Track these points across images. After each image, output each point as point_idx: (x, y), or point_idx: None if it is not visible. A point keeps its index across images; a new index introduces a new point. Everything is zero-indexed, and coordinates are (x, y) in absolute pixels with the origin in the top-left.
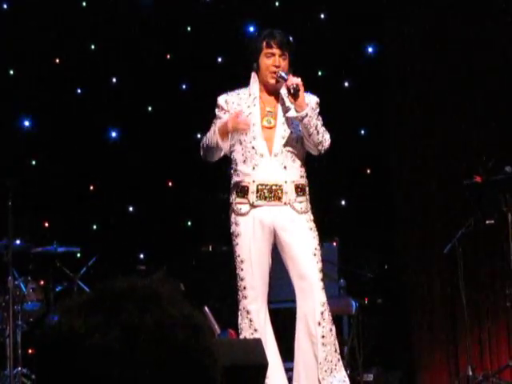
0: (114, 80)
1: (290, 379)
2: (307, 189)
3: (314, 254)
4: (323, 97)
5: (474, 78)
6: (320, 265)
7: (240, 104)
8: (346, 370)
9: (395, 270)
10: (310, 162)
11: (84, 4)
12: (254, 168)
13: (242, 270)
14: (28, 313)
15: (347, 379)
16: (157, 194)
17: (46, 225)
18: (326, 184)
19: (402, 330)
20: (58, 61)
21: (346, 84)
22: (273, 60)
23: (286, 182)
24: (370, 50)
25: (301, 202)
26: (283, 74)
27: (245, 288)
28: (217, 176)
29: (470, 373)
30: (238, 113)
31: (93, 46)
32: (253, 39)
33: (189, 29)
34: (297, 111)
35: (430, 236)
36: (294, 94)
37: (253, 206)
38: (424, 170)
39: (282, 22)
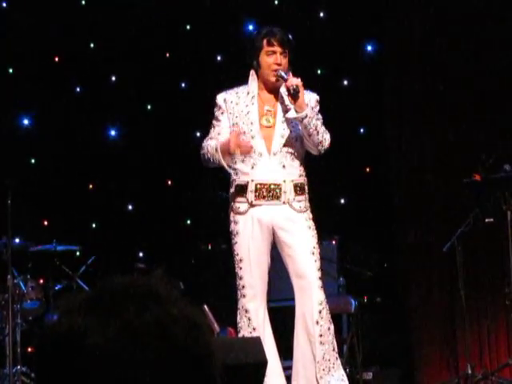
0: (114, 78)
1: (288, 377)
2: (306, 188)
3: (313, 253)
4: (322, 95)
5: (474, 77)
6: (318, 263)
7: (238, 103)
8: (345, 369)
9: (394, 268)
10: (310, 161)
11: (83, 2)
12: (252, 167)
13: (240, 268)
14: (27, 311)
15: (345, 378)
16: (156, 192)
17: (46, 223)
18: (326, 182)
19: (401, 328)
20: (57, 59)
21: (345, 82)
22: (274, 58)
23: (284, 181)
24: (369, 48)
25: (300, 201)
26: (283, 74)
27: (243, 287)
28: (216, 175)
29: (470, 371)
30: (238, 133)
31: (92, 45)
32: (252, 37)
33: (188, 27)
34: (296, 112)
35: (430, 234)
36: (294, 95)
37: (251, 204)
38: (423, 169)
39: (282, 21)
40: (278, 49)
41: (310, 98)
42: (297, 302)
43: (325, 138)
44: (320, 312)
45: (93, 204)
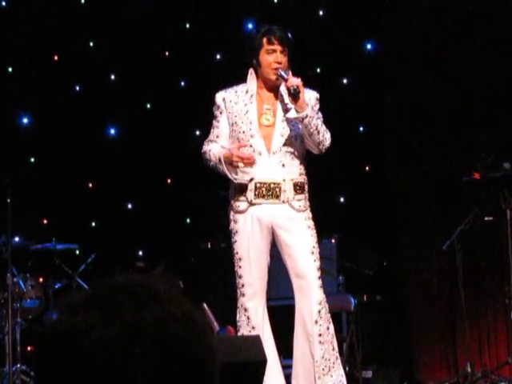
0: (113, 77)
1: (288, 376)
2: (306, 187)
3: (312, 253)
4: (322, 94)
5: (474, 75)
6: (318, 263)
7: (238, 102)
8: (345, 368)
9: (394, 266)
10: (309, 159)
11: (82, 1)
12: (252, 166)
13: (240, 267)
14: (27, 310)
15: (344, 378)
16: (156, 191)
17: (45, 222)
18: (325, 181)
19: (400, 326)
20: (56, 58)
21: (345, 81)
22: (274, 56)
23: (284, 180)
24: (369, 46)
25: (299, 200)
26: (283, 73)
27: (243, 285)
28: (213, 170)
29: (469, 369)
30: (240, 146)
31: (91, 44)
32: (252, 36)
33: (187, 26)
34: (297, 111)
35: (429, 233)
36: (295, 96)
37: (251, 203)
38: (423, 167)
39: (281, 19)
40: (277, 47)
41: (310, 96)
42: (296, 302)
43: (325, 137)
44: (319, 312)
45: (92, 203)
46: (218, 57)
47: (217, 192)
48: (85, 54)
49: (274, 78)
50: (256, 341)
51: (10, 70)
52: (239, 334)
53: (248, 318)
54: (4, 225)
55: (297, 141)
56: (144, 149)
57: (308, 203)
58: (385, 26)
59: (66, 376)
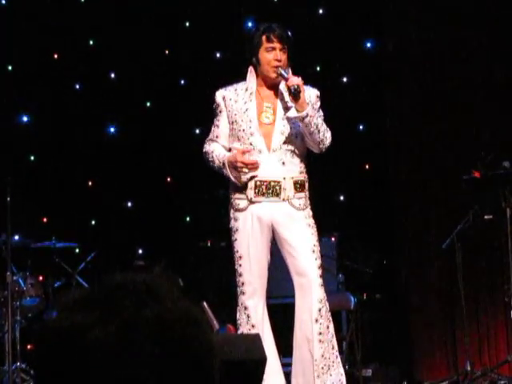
0: (113, 75)
1: (288, 374)
2: (307, 185)
3: (313, 251)
4: (322, 92)
5: (474, 74)
6: (319, 261)
7: (237, 100)
8: (345, 366)
9: (394, 265)
10: (309, 158)
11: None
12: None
13: (240, 265)
14: (27, 308)
15: (343, 377)
16: (155, 189)
17: (45, 220)
18: (325, 179)
19: (400, 325)
20: (56, 56)
21: (345, 79)
22: (274, 54)
23: (284, 178)
24: (369, 45)
25: (299, 199)
26: (283, 72)
27: (243, 284)
28: (216, 171)
29: (469, 368)
30: (243, 151)
31: (91, 42)
32: (251, 34)
33: (187, 24)
34: (297, 111)
35: (429, 231)
36: (295, 95)
37: (251, 201)
38: (422, 165)
39: (281, 17)
40: (277, 45)
41: (311, 94)
42: (296, 300)
43: (326, 136)
44: (319, 310)
45: (92, 201)
46: (218, 55)
47: (217, 191)
48: (85, 52)
49: (273, 75)
50: (256, 339)
51: (10, 68)
52: (239, 332)
53: (248, 316)
54: (4, 223)
55: (297, 139)
56: (144, 147)
57: (308, 201)
58: (384, 24)
59: (66, 374)
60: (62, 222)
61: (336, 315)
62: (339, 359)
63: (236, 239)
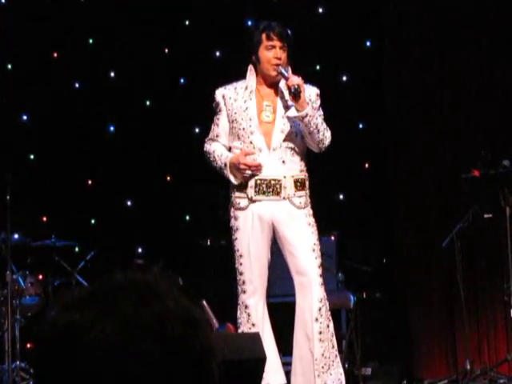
0: (113, 74)
1: (288, 373)
2: (307, 183)
3: (313, 250)
4: (321, 91)
5: (473, 73)
6: (319, 260)
7: (237, 99)
8: (344, 365)
9: (393, 263)
10: (309, 156)
11: None
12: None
13: (240, 264)
14: (26, 307)
15: (343, 376)
16: (155, 188)
17: (45, 219)
18: (325, 178)
19: (400, 324)
20: (56, 55)
21: (344, 78)
22: (274, 52)
23: (284, 176)
24: (368, 44)
25: (300, 197)
26: (283, 71)
27: (243, 282)
28: (216, 171)
29: (468, 367)
30: (246, 153)
31: (91, 41)
32: (251, 32)
33: (187, 23)
34: (297, 110)
35: (429, 230)
36: (296, 95)
37: (251, 200)
38: (422, 164)
39: (281, 16)
40: (277, 43)
41: (310, 93)
42: (297, 299)
43: (325, 136)
44: (320, 309)
45: (92, 200)
46: (218, 54)
47: (216, 189)
48: (84, 51)
49: (273, 73)
50: (255, 338)
51: (10, 67)
52: (239, 331)
53: (248, 315)
54: (3, 222)
55: (297, 137)
56: (143, 146)
57: (309, 200)
58: (384, 22)
59: (66, 373)
60: (61, 220)
61: (335, 314)
62: (339, 358)
63: (236, 238)
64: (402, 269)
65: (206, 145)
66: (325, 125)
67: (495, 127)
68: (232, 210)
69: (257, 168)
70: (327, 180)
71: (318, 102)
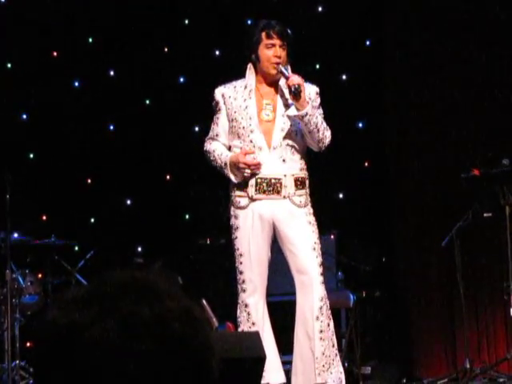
0: (112, 73)
1: (288, 372)
2: (307, 182)
3: (314, 249)
4: (321, 90)
5: (474, 73)
6: (320, 259)
7: (237, 98)
8: (344, 363)
9: (393, 262)
10: (309, 155)
11: None
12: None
13: (240, 263)
14: (26, 306)
15: (343, 375)
16: (155, 187)
17: (44, 218)
18: (324, 177)
19: (399, 322)
20: (55, 54)
21: (344, 77)
22: (274, 51)
23: (285, 175)
24: (368, 42)
25: (300, 196)
26: (284, 70)
27: (243, 281)
28: (217, 171)
29: (468, 366)
30: (245, 152)
31: (90, 39)
32: (250, 30)
33: (186, 22)
34: (297, 109)
35: (428, 229)
36: (296, 95)
37: (252, 199)
38: (422, 163)
39: (280, 15)
40: (277, 41)
41: (310, 91)
42: (297, 298)
43: (325, 135)
44: (320, 308)
45: (91, 199)
46: (217, 53)
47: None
48: (84, 49)
49: (273, 72)
50: (255, 337)
51: (9, 66)
52: (239, 330)
53: (248, 314)
54: (3, 221)
55: (297, 136)
56: (143, 145)
57: (309, 199)
58: (384, 21)
59: (65, 372)
60: (61, 219)
61: (335, 313)
62: (339, 357)
63: (236, 237)
64: (401, 268)
65: (205, 144)
66: (325, 124)
67: (495, 127)
68: (232, 208)
69: (256, 167)
70: (327, 179)
71: (318, 101)
